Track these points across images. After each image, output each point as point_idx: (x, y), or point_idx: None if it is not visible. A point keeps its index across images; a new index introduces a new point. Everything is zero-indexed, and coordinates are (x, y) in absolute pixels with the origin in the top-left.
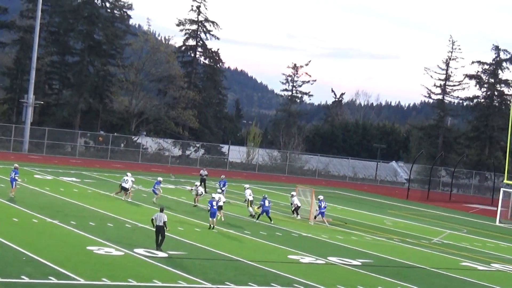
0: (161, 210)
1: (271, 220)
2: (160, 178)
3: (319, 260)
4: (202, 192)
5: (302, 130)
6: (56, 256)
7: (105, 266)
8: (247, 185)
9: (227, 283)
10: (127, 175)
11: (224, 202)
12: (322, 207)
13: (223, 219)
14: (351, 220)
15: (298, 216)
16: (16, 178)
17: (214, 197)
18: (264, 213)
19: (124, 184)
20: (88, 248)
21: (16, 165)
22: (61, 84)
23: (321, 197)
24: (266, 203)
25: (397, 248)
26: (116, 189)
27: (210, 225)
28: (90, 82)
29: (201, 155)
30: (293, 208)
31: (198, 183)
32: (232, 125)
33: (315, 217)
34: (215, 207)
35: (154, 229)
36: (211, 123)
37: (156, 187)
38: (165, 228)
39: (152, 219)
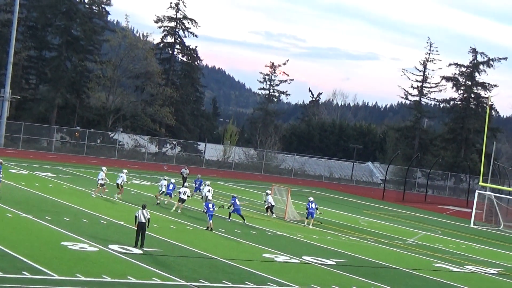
0: (144, 207)
1: (244, 219)
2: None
3: (294, 259)
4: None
5: (279, 129)
6: (30, 251)
7: (79, 262)
8: (208, 182)
9: (201, 280)
10: (123, 172)
11: (189, 197)
12: (310, 208)
13: (178, 211)
14: (327, 220)
15: (273, 215)
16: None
17: (185, 191)
18: (235, 212)
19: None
20: (63, 243)
21: (0, 160)
22: (38, 79)
23: (311, 198)
24: (237, 202)
25: (371, 248)
26: (117, 190)
27: (208, 227)
28: (67, 77)
29: (178, 152)
30: (266, 206)
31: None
32: (209, 123)
33: (306, 217)
34: (211, 210)
35: (136, 226)
36: (188, 120)
37: (170, 188)
38: (147, 225)
39: (136, 216)
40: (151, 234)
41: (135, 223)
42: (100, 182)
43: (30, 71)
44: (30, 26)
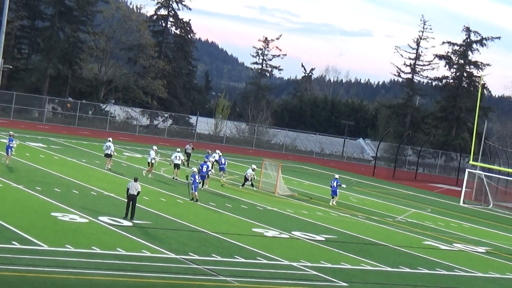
0: (136, 180)
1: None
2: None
3: (283, 234)
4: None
5: (270, 104)
6: (20, 221)
7: (69, 233)
8: (178, 149)
9: (190, 254)
10: (109, 141)
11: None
12: (333, 186)
13: (175, 178)
14: (317, 195)
15: (241, 187)
16: (12, 145)
17: (177, 155)
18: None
19: (176, 161)
20: (53, 214)
21: (12, 132)
22: (30, 49)
23: (336, 176)
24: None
25: (361, 225)
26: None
27: (192, 198)
28: (60, 48)
29: (169, 125)
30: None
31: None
32: (201, 97)
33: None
34: (197, 181)
35: (126, 198)
36: (180, 93)
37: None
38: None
39: (128, 188)
40: (142, 207)
41: (127, 195)
42: (151, 161)
43: (22, 41)
44: None
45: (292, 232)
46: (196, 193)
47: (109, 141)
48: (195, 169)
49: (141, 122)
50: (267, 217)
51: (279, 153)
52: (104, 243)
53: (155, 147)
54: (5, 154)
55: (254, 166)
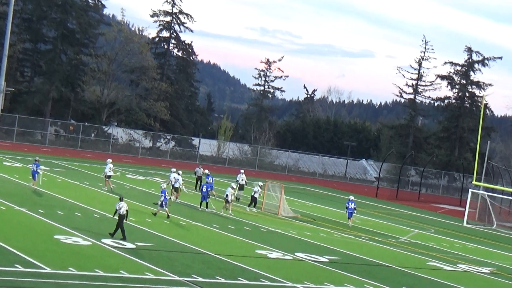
0: (121, 199)
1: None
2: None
3: (287, 256)
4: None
5: (273, 125)
6: (23, 244)
7: (72, 256)
8: (173, 169)
9: (194, 276)
10: (173, 172)
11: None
12: (350, 207)
13: (175, 199)
14: (320, 216)
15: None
16: (38, 170)
17: (175, 177)
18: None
19: (176, 185)
20: (56, 237)
21: (37, 157)
22: (33, 72)
23: (351, 197)
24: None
25: (365, 246)
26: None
27: (156, 213)
28: (62, 70)
29: (172, 147)
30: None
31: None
32: (203, 118)
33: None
34: (167, 197)
35: (117, 218)
36: (182, 115)
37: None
38: (126, 216)
39: (116, 210)
40: (145, 229)
41: (114, 214)
42: (179, 186)
43: (25, 64)
44: (25, 19)
45: (296, 254)
46: (166, 209)
47: (178, 174)
48: (165, 185)
49: (144, 144)
50: (271, 238)
51: (282, 175)
52: (107, 266)
53: (179, 172)
54: (32, 179)
55: (260, 183)
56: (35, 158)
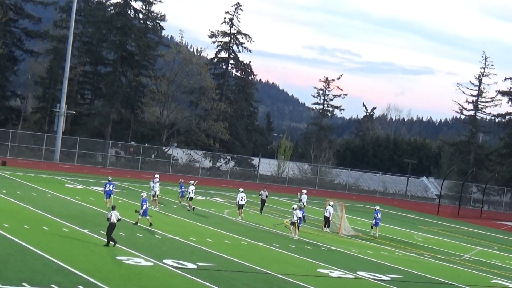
0: (114, 208)
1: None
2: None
3: (348, 275)
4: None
5: (333, 144)
6: (86, 266)
7: (134, 276)
8: (241, 189)
9: None
10: (240, 191)
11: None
12: (378, 217)
13: (241, 216)
14: (381, 235)
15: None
16: (113, 190)
17: (242, 196)
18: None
19: (241, 202)
20: (118, 258)
21: (110, 177)
22: (93, 94)
23: (377, 207)
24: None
25: (427, 264)
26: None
27: (137, 222)
28: (122, 92)
29: (232, 167)
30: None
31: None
32: (262, 138)
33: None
34: (147, 206)
35: (108, 226)
36: (242, 135)
37: None
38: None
39: (108, 218)
40: (206, 249)
41: (108, 221)
42: (241, 203)
43: (85, 86)
44: (85, 42)
45: (357, 272)
46: (147, 217)
47: (156, 181)
48: (145, 194)
49: (204, 164)
50: (332, 257)
51: (342, 193)
52: (169, 286)
53: (241, 189)
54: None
55: (331, 203)
56: (108, 178)
